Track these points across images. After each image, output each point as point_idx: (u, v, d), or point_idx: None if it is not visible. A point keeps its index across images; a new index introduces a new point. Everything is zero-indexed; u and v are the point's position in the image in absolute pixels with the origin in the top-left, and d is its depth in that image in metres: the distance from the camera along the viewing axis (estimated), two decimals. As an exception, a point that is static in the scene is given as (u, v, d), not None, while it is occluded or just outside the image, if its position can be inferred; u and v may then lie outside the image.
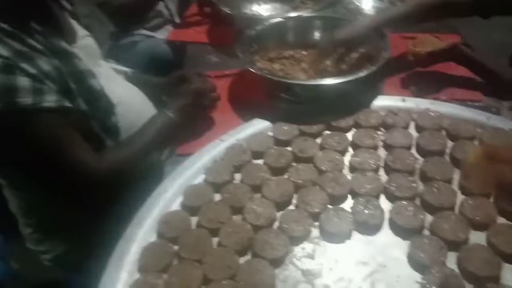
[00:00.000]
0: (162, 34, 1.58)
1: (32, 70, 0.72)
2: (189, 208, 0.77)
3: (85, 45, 0.95)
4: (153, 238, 0.73)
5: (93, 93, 0.81)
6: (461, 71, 1.10)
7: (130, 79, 1.08)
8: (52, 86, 0.74)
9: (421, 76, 1.11)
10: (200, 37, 1.38)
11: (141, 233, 0.73)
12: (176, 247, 0.71)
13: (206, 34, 1.39)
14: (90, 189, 0.78)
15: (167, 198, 0.79)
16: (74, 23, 0.97)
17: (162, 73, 1.14)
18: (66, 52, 0.82)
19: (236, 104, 1.06)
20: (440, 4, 1.02)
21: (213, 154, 0.88)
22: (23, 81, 0.71)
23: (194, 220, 0.76)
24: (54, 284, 1.02)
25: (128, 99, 0.92)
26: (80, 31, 0.97)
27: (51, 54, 0.79)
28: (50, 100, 0.73)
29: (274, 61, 1.12)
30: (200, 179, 0.84)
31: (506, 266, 0.66)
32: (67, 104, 0.76)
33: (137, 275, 0.67)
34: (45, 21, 0.84)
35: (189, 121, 0.91)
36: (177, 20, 1.57)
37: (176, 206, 0.79)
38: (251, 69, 1.02)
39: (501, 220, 0.73)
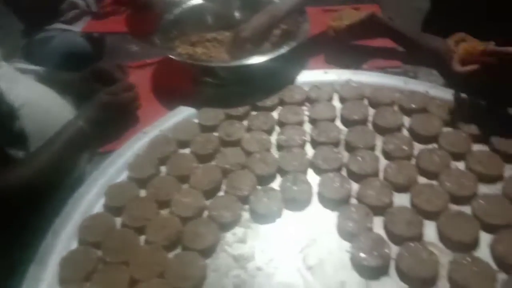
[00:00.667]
0: (80, 27, 1.47)
1: None
2: (113, 209, 0.73)
3: None
4: (74, 246, 0.69)
5: None
6: (381, 41, 1.12)
7: (42, 78, 1.00)
8: None
9: (343, 50, 1.12)
10: (118, 27, 1.30)
11: (61, 242, 0.69)
12: (100, 252, 0.67)
13: (125, 22, 1.32)
14: None
15: (88, 201, 0.75)
16: None
17: (81, 68, 1.06)
18: None
19: (159, 94, 1.02)
20: None
21: (136, 148, 0.84)
22: None
23: (118, 221, 0.72)
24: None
25: (36, 100, 0.84)
26: None
27: None
28: None
29: (196, 45, 1.08)
30: (123, 176, 0.80)
31: (428, 224, 0.68)
32: None
33: (57, 288, 0.63)
34: None
35: (104, 131, 0.84)
36: (94, 9, 1.48)
37: (99, 208, 0.75)
38: (170, 56, 0.97)
39: (422, 180, 0.75)
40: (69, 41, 1.41)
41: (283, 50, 0.95)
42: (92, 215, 0.73)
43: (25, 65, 1.02)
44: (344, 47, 1.12)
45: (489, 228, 0.67)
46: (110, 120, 0.84)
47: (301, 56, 1.08)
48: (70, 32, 1.47)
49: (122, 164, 0.81)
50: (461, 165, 0.77)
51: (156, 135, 0.86)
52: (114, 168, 0.80)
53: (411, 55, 1.07)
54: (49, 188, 0.75)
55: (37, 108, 0.82)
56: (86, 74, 0.98)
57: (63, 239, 0.69)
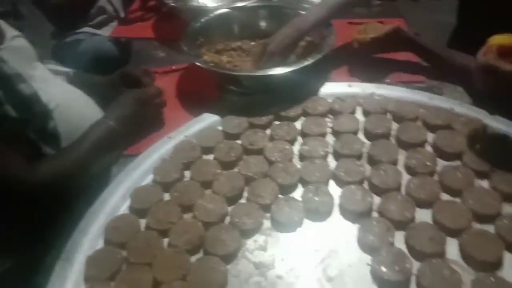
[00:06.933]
0: (107, 31, 1.52)
1: None
2: (138, 211, 0.75)
3: (15, 46, 0.89)
4: (100, 245, 0.71)
5: (23, 98, 0.76)
6: (405, 55, 1.13)
7: (72, 80, 1.03)
8: None
9: (367, 63, 1.12)
10: (145, 32, 1.33)
11: (87, 241, 0.70)
12: (124, 253, 0.68)
13: (152, 29, 1.35)
14: (22, 200, 0.73)
15: (114, 202, 0.77)
16: (1, 23, 0.91)
17: (108, 72, 1.09)
18: None
19: (184, 100, 1.04)
20: None
21: (161, 152, 0.86)
22: None
23: (143, 222, 0.73)
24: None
25: (68, 102, 0.88)
26: (10, 31, 0.91)
27: None
28: None
29: (222, 53, 1.11)
30: (148, 179, 0.81)
31: (450, 241, 0.68)
32: None
33: (82, 286, 0.64)
34: None
35: (133, 131, 0.87)
36: (122, 15, 1.52)
37: (124, 210, 0.76)
38: (197, 63, 1.00)
39: (445, 196, 0.75)
40: (97, 45, 1.46)
41: (308, 62, 0.97)
42: (118, 216, 0.74)
43: (56, 66, 1.06)
44: (368, 60, 1.13)
45: (513, 248, 0.66)
46: (137, 120, 0.87)
47: (326, 68, 1.09)
48: (98, 36, 1.51)
49: (147, 168, 0.83)
50: (484, 183, 0.77)
51: (181, 141, 0.88)
52: (139, 171, 0.82)
53: (437, 70, 1.07)
54: (77, 185, 0.77)
55: (69, 109, 0.85)
56: (114, 78, 1.01)
57: (89, 238, 0.71)
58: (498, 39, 0.79)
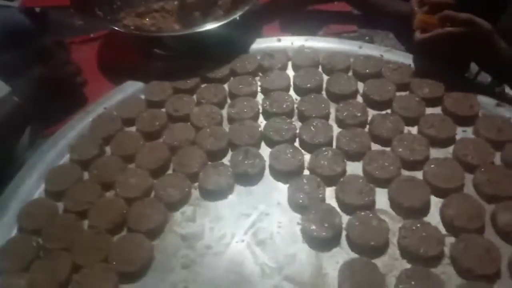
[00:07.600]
0: (19, 2, 1.37)
1: None
2: (54, 194, 0.69)
3: None
4: (14, 234, 0.65)
5: None
6: (337, 5, 1.08)
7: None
8: None
9: (299, 16, 1.07)
10: (60, 0, 1.21)
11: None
12: (41, 240, 0.63)
13: (67, -6, 1.23)
14: None
15: (27, 187, 0.71)
16: None
17: (22, 46, 0.99)
18: None
19: (106, 70, 0.96)
20: None
21: (78, 129, 0.80)
22: None
23: (61, 206, 0.68)
24: None
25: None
26: None
27: None
28: None
29: (144, 16, 1.02)
30: (65, 159, 0.75)
31: (380, 191, 0.67)
32: None
33: (-5, 280, 0.60)
34: None
35: (44, 105, 0.79)
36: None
37: (39, 194, 0.71)
38: (115, 27, 0.91)
39: (374, 147, 0.74)
40: (6, 17, 1.30)
41: (234, 15, 0.90)
42: (31, 201, 0.69)
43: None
44: (300, 14, 1.08)
45: (439, 192, 0.66)
46: (49, 98, 0.79)
47: (256, 24, 1.03)
48: (8, 8, 1.36)
49: (63, 146, 0.77)
50: (414, 130, 0.76)
51: (99, 113, 0.81)
52: (55, 150, 0.76)
53: (370, 18, 1.04)
54: None
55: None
56: (25, 53, 0.91)
57: (1, 228, 0.65)
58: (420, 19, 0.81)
